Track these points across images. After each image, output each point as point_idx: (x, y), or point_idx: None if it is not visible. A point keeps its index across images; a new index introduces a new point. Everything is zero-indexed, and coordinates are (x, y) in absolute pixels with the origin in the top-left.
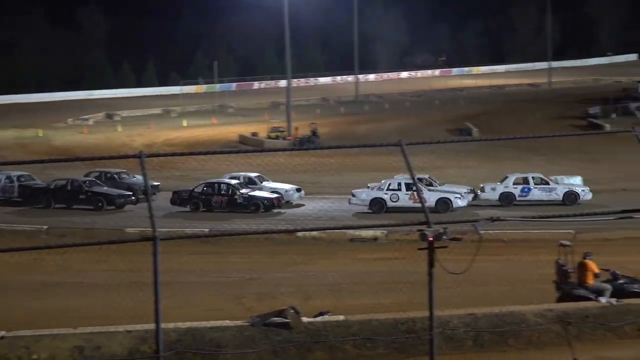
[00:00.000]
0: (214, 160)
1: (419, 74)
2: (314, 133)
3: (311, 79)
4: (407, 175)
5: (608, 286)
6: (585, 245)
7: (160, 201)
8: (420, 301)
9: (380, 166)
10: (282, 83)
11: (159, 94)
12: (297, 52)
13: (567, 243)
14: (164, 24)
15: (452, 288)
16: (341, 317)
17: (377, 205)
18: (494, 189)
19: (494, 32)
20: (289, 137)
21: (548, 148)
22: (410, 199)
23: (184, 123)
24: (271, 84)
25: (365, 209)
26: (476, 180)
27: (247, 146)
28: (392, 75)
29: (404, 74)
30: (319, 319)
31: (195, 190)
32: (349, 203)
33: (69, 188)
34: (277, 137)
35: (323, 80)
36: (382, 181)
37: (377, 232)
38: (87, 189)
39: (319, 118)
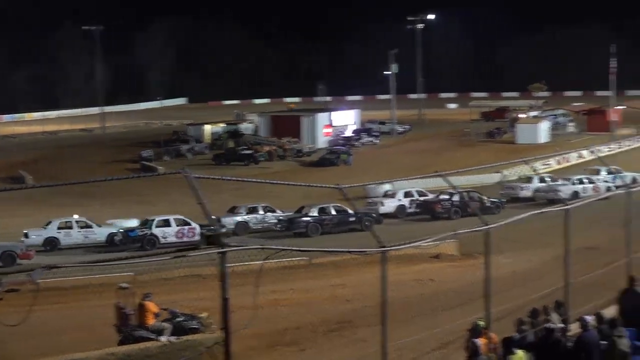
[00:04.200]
0: None
1: None
2: None
3: None
4: None
5: (168, 325)
6: (145, 286)
7: None
8: None
9: None
10: None
11: None
12: None
13: (126, 286)
14: None
15: (14, 341)
16: None
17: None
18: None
19: (45, 77)
20: None
21: (104, 192)
22: None
23: None
24: None
25: None
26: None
27: None
28: None
29: None
30: None
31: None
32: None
33: (335, 213)
34: None
35: None
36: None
37: None
38: (355, 211)
39: None
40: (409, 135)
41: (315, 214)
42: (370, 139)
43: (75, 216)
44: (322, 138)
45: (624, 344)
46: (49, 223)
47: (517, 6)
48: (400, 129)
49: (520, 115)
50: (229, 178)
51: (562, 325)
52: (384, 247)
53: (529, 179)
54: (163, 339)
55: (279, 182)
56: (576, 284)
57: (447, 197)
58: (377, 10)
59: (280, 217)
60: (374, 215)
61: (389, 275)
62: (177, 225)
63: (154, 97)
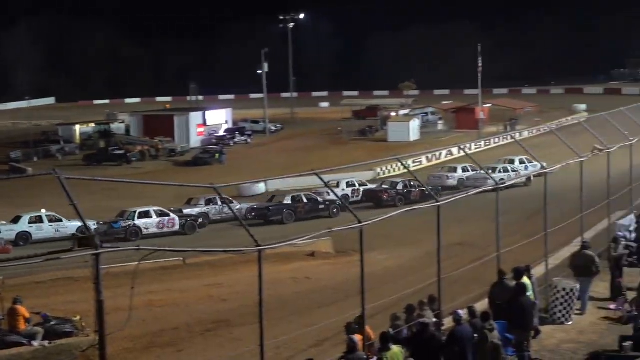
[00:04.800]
0: None
1: None
2: None
3: None
4: None
5: (40, 329)
6: (14, 290)
7: None
8: None
9: None
10: None
11: None
12: None
13: None
14: None
15: None
16: None
17: None
18: None
19: None
20: None
21: None
22: None
23: None
24: None
25: None
26: None
27: None
28: None
29: None
30: None
31: None
32: None
33: (306, 201)
34: None
35: None
36: None
37: None
38: (325, 199)
39: None
40: (281, 134)
41: (289, 201)
42: (243, 138)
43: (43, 210)
44: (196, 137)
45: (495, 336)
46: (18, 218)
47: (386, 5)
48: (273, 128)
49: (391, 114)
50: (101, 179)
51: (435, 319)
52: (259, 246)
53: (454, 169)
54: (36, 343)
55: (152, 182)
56: (448, 278)
57: (387, 186)
58: (249, 8)
59: (254, 206)
60: (339, 203)
61: (265, 274)
62: (158, 217)
63: (21, 96)
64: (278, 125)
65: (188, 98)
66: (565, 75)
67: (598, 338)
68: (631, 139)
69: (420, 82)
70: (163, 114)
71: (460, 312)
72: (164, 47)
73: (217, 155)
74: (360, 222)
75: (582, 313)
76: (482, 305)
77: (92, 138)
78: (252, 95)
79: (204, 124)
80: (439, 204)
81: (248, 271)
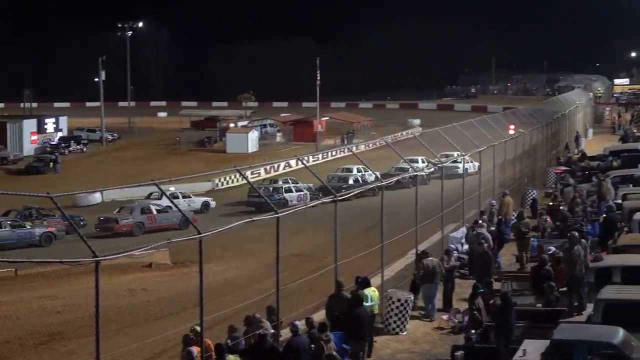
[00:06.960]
0: None
1: None
2: None
3: None
4: None
5: None
6: None
7: None
8: None
9: None
10: None
11: None
12: None
13: None
14: None
15: None
16: None
17: None
18: None
19: None
20: None
21: None
22: None
23: None
24: None
25: None
26: None
27: None
28: None
29: None
30: None
31: None
32: None
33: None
34: None
35: None
36: None
37: None
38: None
39: None
40: (118, 143)
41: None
42: (79, 147)
43: (172, 188)
44: (29, 145)
45: (332, 347)
46: (149, 195)
47: (226, 17)
48: (109, 137)
49: (230, 125)
50: None
51: (273, 331)
52: (97, 257)
53: (415, 160)
54: None
55: None
56: (287, 289)
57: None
58: (86, 15)
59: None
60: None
61: (101, 285)
62: (296, 192)
63: None
64: (115, 135)
65: (22, 105)
66: (400, 90)
67: (431, 347)
68: (463, 153)
69: (259, 94)
70: None
71: (297, 323)
72: None
73: (51, 163)
74: (199, 233)
75: (431, 319)
76: (319, 316)
77: None
78: (89, 104)
79: (38, 131)
80: (278, 215)
81: (83, 283)
